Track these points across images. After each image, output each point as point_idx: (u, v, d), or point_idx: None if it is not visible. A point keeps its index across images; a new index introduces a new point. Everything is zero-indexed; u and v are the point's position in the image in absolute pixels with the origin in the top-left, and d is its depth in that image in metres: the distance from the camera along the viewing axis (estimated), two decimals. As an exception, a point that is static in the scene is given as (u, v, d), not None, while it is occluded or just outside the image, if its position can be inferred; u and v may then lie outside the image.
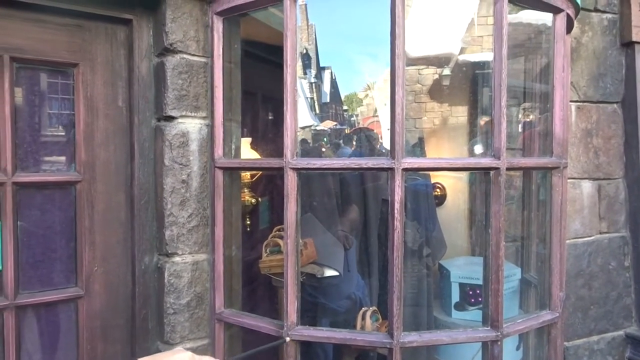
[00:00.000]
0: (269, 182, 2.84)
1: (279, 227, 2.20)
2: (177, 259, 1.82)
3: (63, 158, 1.80)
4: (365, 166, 1.68)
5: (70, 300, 1.78)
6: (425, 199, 2.77)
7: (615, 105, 3.09)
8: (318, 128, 3.62)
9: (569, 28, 1.99)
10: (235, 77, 1.98)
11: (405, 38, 1.55)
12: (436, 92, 3.41)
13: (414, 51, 3.33)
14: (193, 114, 1.85)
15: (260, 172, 2.58)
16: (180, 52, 1.82)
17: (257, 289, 2.48)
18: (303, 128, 3.47)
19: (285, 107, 1.65)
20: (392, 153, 1.58)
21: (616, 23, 3.06)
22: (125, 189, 1.86)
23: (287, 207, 1.65)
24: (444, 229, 2.86)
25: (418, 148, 3.23)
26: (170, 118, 1.81)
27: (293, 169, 1.65)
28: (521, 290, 2.52)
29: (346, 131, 3.70)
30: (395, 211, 1.57)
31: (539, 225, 2.33)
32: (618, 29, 3.06)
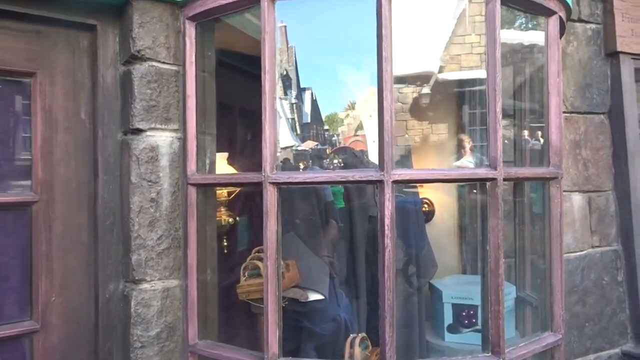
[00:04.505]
0: (248, 200, 2.70)
1: (258, 248, 2.08)
2: (145, 285, 1.66)
3: (17, 176, 1.65)
4: (352, 179, 1.55)
5: (24, 335, 1.62)
6: (414, 216, 2.66)
7: (602, 116, 3.03)
8: (299, 148, 3.57)
9: (561, 32, 1.91)
10: (210, 86, 1.86)
11: (392, 39, 1.44)
12: (416, 110, 3.43)
13: (393, 70, 3.29)
14: (163, 127, 1.72)
15: (238, 189, 2.44)
16: (149, 59, 1.70)
17: (235, 316, 2.32)
18: (284, 148, 3.39)
19: (263, 117, 1.53)
20: (381, 164, 1.46)
21: (600, 33, 3.03)
22: (88, 209, 1.72)
23: (266, 225, 1.51)
24: (433, 246, 2.75)
25: (405, 164, 3.15)
26: (138, 131, 1.68)
27: (273, 183, 1.51)
28: (516, 310, 2.39)
29: (327, 151, 3.63)
30: (386, 227, 1.44)
31: (533, 239, 2.22)
32: (602, 39, 3.03)
